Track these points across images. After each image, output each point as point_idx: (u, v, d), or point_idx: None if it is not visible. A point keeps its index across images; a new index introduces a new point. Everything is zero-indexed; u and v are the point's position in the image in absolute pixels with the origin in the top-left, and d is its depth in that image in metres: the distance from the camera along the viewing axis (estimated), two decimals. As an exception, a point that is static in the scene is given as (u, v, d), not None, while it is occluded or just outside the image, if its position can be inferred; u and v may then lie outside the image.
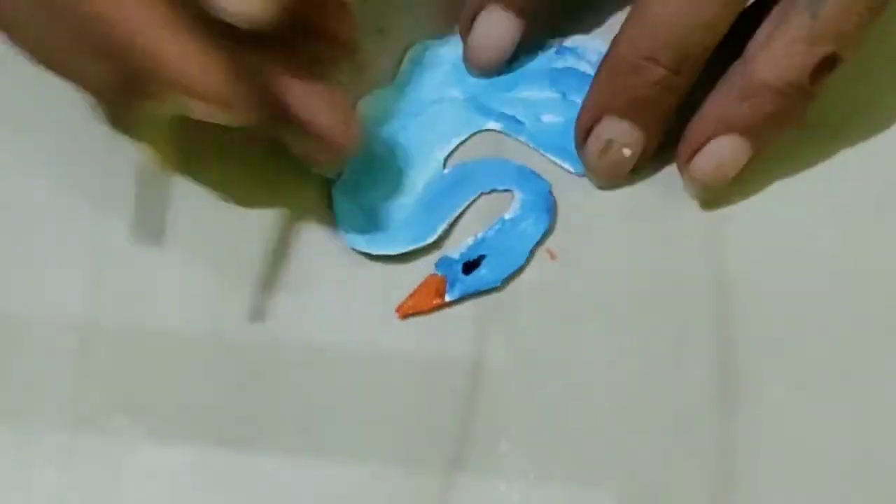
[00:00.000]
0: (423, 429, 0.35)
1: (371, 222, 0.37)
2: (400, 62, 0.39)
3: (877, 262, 0.37)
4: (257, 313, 0.36)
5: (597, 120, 0.37)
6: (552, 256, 0.37)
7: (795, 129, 0.37)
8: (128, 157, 0.38)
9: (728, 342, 0.36)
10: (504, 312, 0.36)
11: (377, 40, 0.40)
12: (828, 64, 0.35)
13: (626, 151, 0.37)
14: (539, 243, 0.37)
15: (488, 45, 0.38)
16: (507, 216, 0.37)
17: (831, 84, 0.35)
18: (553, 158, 0.38)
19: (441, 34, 0.40)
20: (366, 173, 0.38)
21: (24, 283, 0.37)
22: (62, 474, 0.34)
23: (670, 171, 0.38)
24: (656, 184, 0.38)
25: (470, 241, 0.37)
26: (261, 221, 0.37)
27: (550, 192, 0.37)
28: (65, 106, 0.39)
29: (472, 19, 0.38)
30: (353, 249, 0.37)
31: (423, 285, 0.36)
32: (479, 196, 0.38)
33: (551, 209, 0.37)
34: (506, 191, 0.38)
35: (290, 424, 0.35)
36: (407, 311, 0.36)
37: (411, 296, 0.36)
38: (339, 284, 0.37)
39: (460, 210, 0.37)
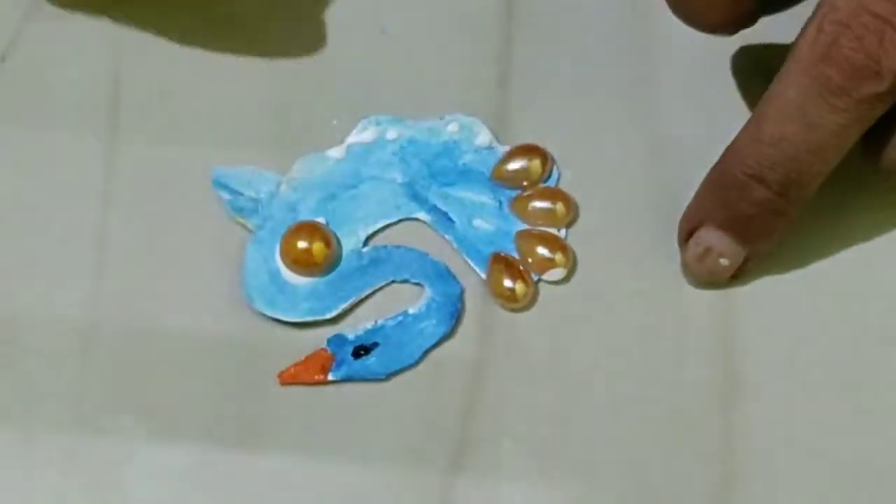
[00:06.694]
0: (425, 428, 0.35)
1: (275, 284, 0.36)
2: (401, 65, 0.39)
3: (877, 262, 0.37)
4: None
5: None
6: None
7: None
8: (128, 157, 0.38)
9: (728, 342, 0.36)
10: (505, 311, 0.36)
11: (380, 40, 0.40)
12: None
13: (724, 262, 0.36)
14: (436, 346, 0.36)
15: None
16: (410, 310, 0.36)
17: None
18: (473, 265, 0.37)
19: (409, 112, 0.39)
20: (282, 234, 0.37)
21: (24, 283, 0.37)
22: (62, 475, 0.34)
23: (670, 173, 0.38)
24: (656, 185, 0.38)
25: (368, 325, 0.36)
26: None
27: (461, 297, 0.36)
28: (66, 107, 0.39)
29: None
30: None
31: (311, 358, 0.35)
32: (390, 282, 0.37)
33: (455, 315, 0.36)
34: (418, 284, 0.37)
35: (290, 424, 0.35)
36: (288, 380, 0.35)
37: (296, 364, 0.35)
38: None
39: (367, 293, 0.36)
